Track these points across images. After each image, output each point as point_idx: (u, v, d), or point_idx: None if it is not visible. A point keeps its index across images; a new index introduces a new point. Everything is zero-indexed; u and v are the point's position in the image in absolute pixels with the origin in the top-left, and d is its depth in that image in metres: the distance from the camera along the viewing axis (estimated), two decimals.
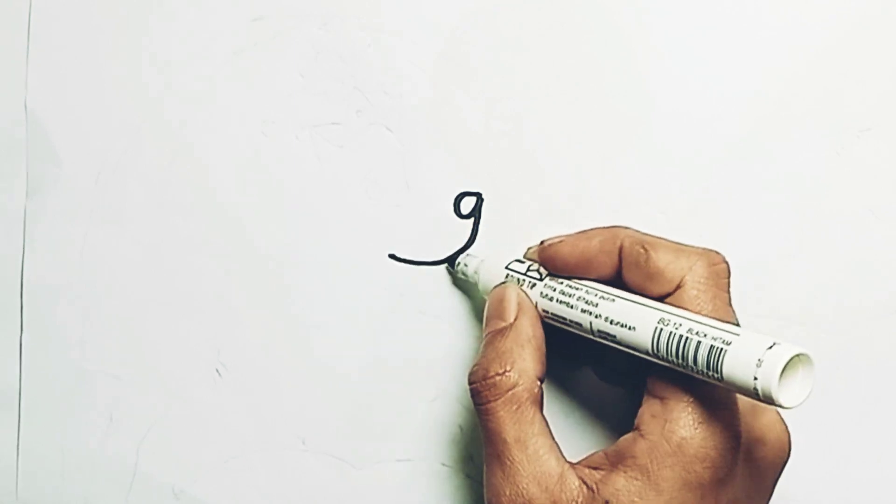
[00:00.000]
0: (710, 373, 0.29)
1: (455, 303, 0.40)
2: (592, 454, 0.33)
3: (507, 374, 0.33)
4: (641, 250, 0.32)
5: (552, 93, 0.39)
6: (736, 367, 0.28)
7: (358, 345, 0.40)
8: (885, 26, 0.38)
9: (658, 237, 0.33)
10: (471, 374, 0.34)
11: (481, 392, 0.33)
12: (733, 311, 0.32)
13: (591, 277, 0.34)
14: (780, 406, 0.28)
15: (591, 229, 0.35)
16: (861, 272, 0.39)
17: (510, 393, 0.33)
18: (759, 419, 0.33)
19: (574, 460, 0.33)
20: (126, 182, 0.40)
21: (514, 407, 0.33)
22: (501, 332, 0.34)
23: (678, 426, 0.31)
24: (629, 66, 0.39)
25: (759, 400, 0.28)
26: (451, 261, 0.39)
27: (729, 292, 0.32)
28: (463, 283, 0.39)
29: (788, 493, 0.39)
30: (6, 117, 0.40)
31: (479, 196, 0.39)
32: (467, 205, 0.39)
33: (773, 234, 0.39)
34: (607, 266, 0.34)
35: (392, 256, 0.40)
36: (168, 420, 0.41)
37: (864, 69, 0.38)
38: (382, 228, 0.40)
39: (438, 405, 0.40)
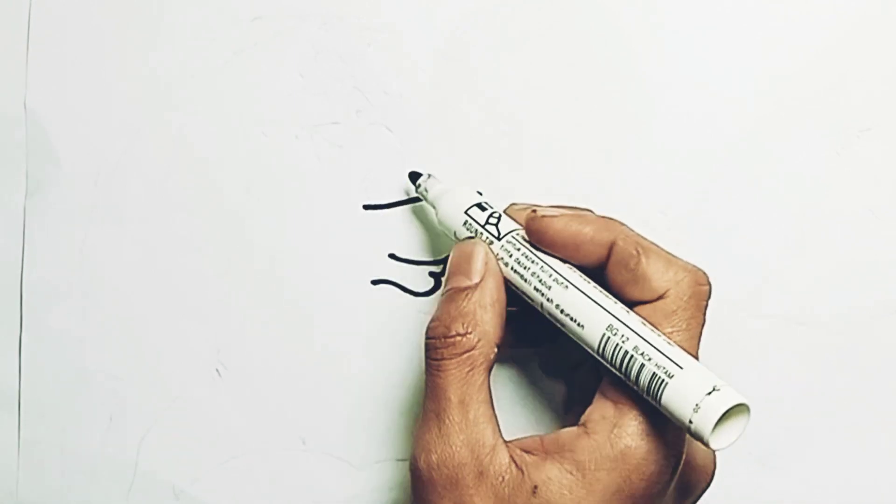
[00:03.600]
0: (649, 397, 0.29)
1: None
2: (526, 437, 0.33)
3: (468, 335, 0.32)
4: (634, 252, 0.32)
5: (552, 93, 0.39)
6: (674, 402, 0.28)
7: (358, 345, 0.40)
8: (885, 26, 0.38)
9: (651, 242, 0.32)
10: (430, 329, 0.33)
11: (439, 349, 0.32)
12: (701, 334, 0.32)
13: (572, 262, 0.33)
14: (708, 448, 0.28)
15: (584, 212, 0.34)
16: (861, 272, 0.39)
17: (467, 354, 0.32)
18: (691, 442, 0.32)
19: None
20: (126, 182, 0.40)
21: (468, 369, 0.32)
22: (465, 291, 0.33)
23: (626, 433, 0.30)
24: (629, 66, 0.39)
25: (690, 435, 0.28)
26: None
27: (705, 315, 0.32)
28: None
29: (788, 493, 0.39)
30: (6, 117, 0.40)
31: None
32: None
33: (773, 234, 0.39)
34: (593, 256, 0.33)
35: (392, 256, 0.40)
36: (168, 420, 0.41)
37: (864, 69, 0.38)
38: (382, 228, 0.40)
39: None
